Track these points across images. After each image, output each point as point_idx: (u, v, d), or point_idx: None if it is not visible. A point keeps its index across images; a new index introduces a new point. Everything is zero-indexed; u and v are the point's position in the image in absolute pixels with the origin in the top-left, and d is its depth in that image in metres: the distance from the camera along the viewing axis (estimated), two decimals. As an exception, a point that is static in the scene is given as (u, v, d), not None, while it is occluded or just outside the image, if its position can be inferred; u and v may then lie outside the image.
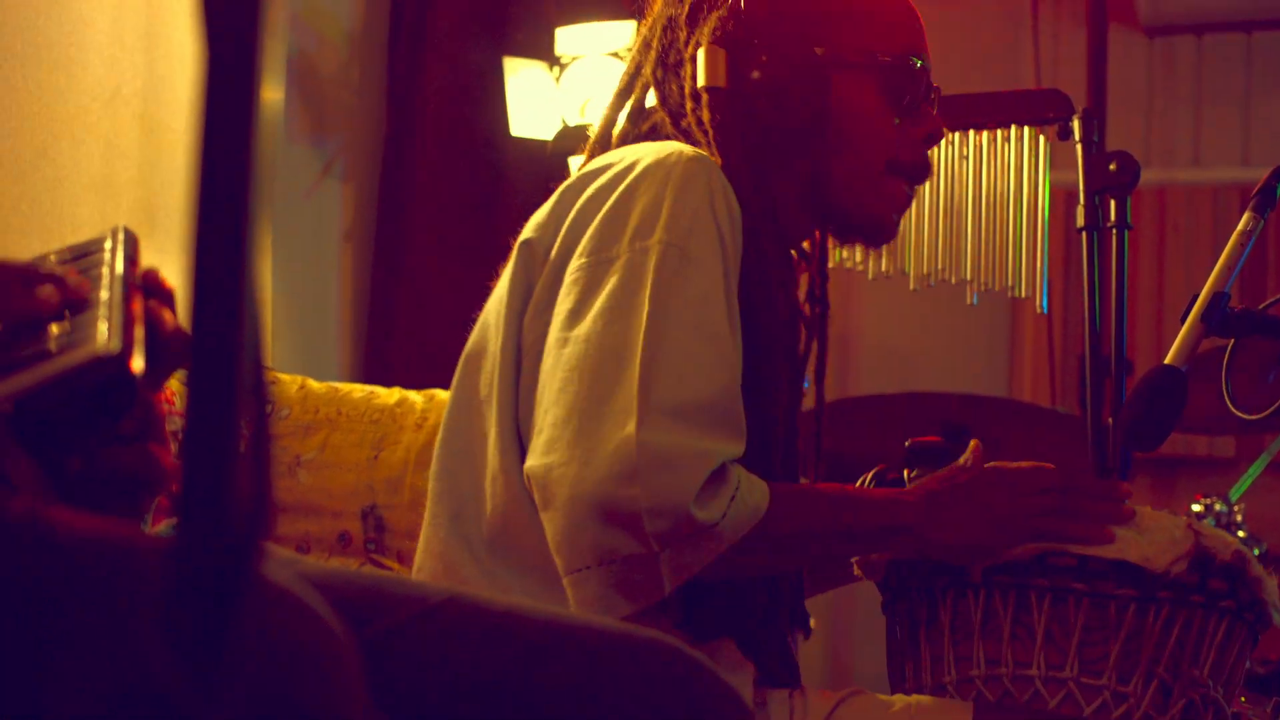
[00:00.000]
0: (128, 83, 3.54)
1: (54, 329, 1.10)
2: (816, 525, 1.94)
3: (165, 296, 1.22)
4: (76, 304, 1.13)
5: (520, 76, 4.28)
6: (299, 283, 4.26)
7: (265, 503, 0.65)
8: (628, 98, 2.18)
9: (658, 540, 1.79)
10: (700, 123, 2.05)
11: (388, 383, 3.35)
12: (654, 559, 1.80)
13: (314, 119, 4.48)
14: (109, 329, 1.07)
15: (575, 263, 1.92)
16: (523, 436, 1.95)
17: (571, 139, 4.16)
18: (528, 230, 2.05)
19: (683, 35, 2.10)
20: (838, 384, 6.11)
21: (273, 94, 0.69)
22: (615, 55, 4.21)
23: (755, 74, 2.05)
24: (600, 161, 2.04)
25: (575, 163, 4.16)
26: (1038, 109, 3.35)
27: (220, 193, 0.67)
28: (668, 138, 2.10)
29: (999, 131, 3.31)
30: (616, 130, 2.17)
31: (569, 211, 1.98)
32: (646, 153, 1.99)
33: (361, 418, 3.11)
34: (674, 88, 2.10)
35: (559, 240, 1.97)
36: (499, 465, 1.96)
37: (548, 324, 1.93)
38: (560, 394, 1.86)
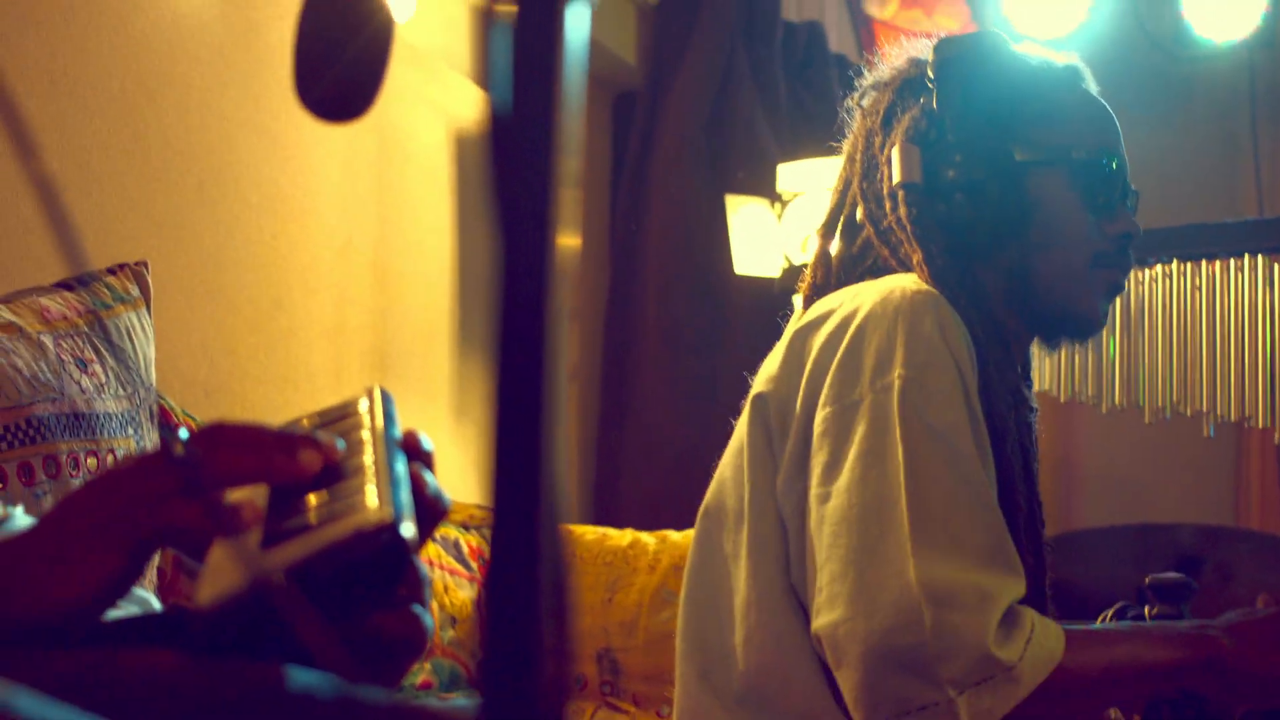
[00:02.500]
0: (359, 231, 3.60)
1: (313, 499, 1.10)
2: (1117, 667, 1.87)
3: (425, 459, 1.21)
4: (337, 470, 1.12)
5: (742, 213, 4.29)
6: (525, 424, 4.27)
7: (567, 671, 0.64)
8: (839, 216, 2.16)
9: (954, 685, 1.72)
10: (899, 220, 2.03)
11: (618, 523, 3.35)
12: (951, 705, 1.73)
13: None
14: (379, 496, 1.06)
15: (821, 414, 1.89)
16: (802, 600, 1.91)
17: (796, 277, 4.15)
18: (760, 384, 2.01)
19: (878, 141, 2.09)
20: (1063, 515, 6.01)
21: (569, 240, 0.68)
22: (836, 190, 4.21)
23: (951, 173, 2.02)
24: (822, 307, 2.00)
25: (799, 300, 4.16)
26: (1271, 237, 3.29)
27: (519, 349, 0.66)
28: (876, 255, 2.08)
29: (1231, 261, 3.25)
30: (835, 251, 2.15)
31: (803, 363, 1.95)
32: (869, 293, 1.95)
33: (595, 560, 3.11)
34: (873, 195, 2.08)
35: (800, 395, 1.93)
36: (756, 622, 1.93)
37: (805, 485, 1.90)
38: (832, 549, 1.82)
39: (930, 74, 2.08)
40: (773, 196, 4.29)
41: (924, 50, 2.12)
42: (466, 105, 4.10)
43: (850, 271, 2.10)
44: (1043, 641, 1.77)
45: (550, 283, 0.67)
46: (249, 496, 1.09)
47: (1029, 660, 1.75)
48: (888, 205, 2.04)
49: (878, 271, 2.06)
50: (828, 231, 2.16)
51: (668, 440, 4.49)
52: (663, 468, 4.46)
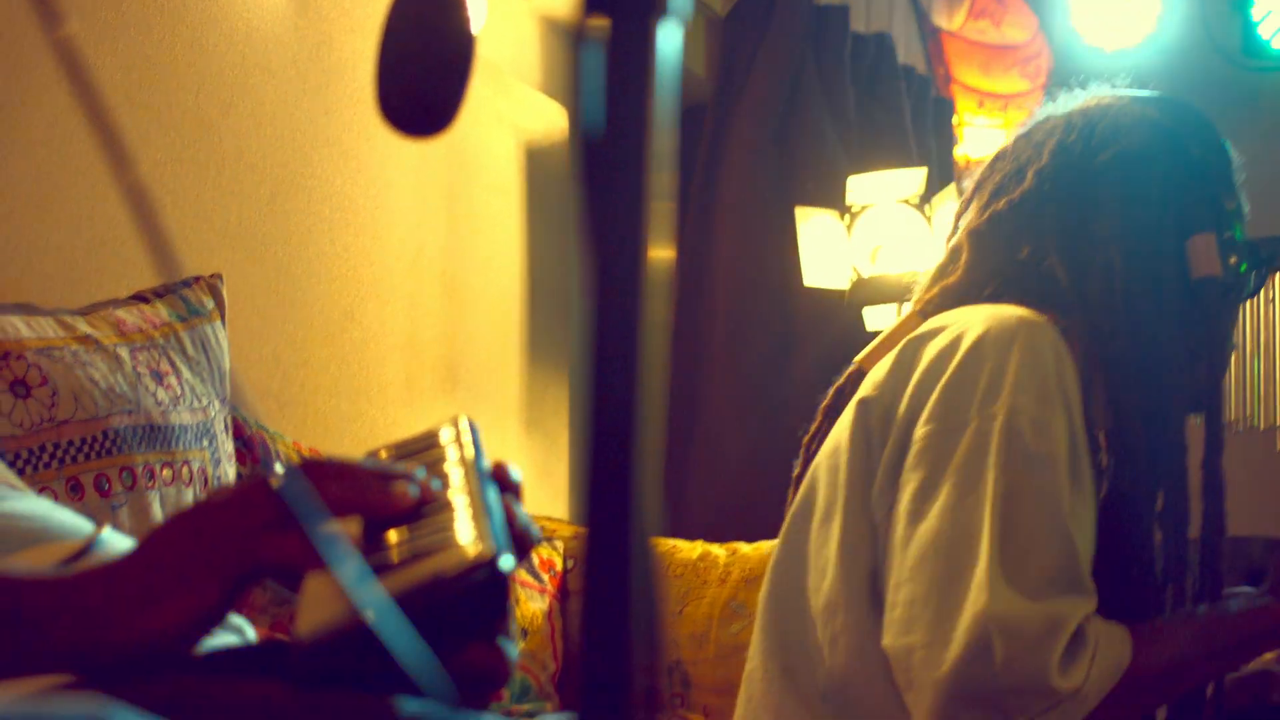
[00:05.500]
0: (430, 243, 3.62)
1: (408, 532, 1.09)
2: (1182, 657, 1.89)
3: (514, 490, 1.20)
4: (431, 503, 1.11)
5: (811, 225, 4.28)
6: (594, 435, 4.28)
7: (659, 687, 0.64)
8: (1001, 224, 2.10)
9: (1021, 715, 1.74)
10: (1149, 301, 1.99)
11: (687, 535, 3.35)
12: None
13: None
14: (477, 530, 1.05)
15: (922, 430, 1.89)
16: (881, 606, 1.91)
17: (866, 290, 4.14)
18: (866, 388, 2.00)
19: (1045, 182, 2.06)
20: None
21: (663, 253, 0.69)
22: (906, 203, 4.19)
23: (1232, 264, 2.02)
24: (937, 322, 1.99)
25: (869, 313, 4.14)
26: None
27: (613, 364, 0.67)
28: (1009, 282, 2.04)
29: (1307, 271, 3.23)
30: (977, 261, 2.12)
31: (910, 375, 1.94)
32: (984, 317, 1.93)
33: (665, 572, 3.11)
34: (1070, 246, 2.04)
35: (904, 405, 1.92)
36: (841, 625, 1.93)
37: (896, 497, 1.90)
38: (916, 571, 1.83)
39: (1197, 152, 2.07)
40: (842, 208, 4.28)
41: (1150, 107, 2.10)
42: (536, 118, 4.11)
43: (973, 288, 2.07)
44: (1107, 654, 1.80)
45: (644, 296, 0.67)
46: (343, 530, 1.08)
47: (1093, 680, 1.78)
48: (1054, 258, 2.01)
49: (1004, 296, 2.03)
50: (979, 238, 2.12)
51: (736, 452, 4.49)
52: (731, 479, 4.46)
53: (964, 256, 2.12)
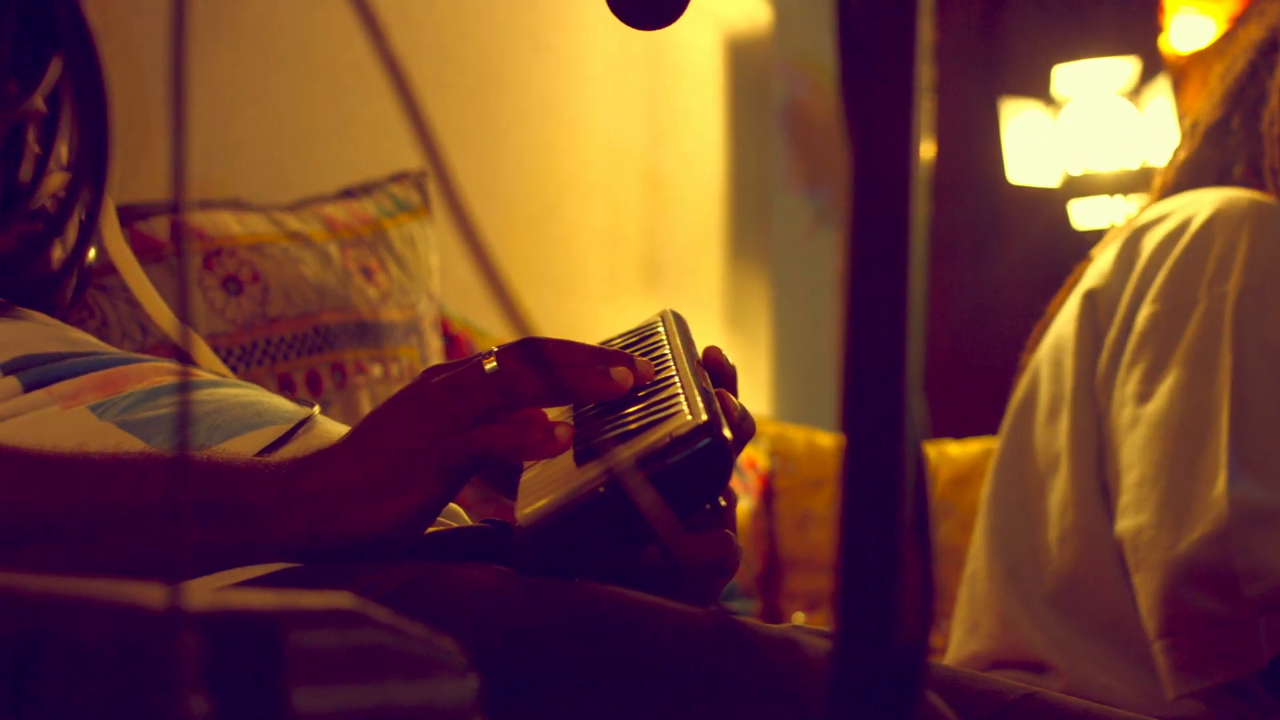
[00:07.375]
0: (631, 138, 3.59)
1: (625, 414, 1.08)
2: None
3: (729, 378, 1.19)
4: (645, 388, 1.11)
5: (1018, 119, 4.19)
6: (797, 331, 4.26)
7: (930, 604, 0.61)
8: (1228, 116, 2.00)
9: (1256, 605, 1.65)
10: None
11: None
12: (1250, 624, 1.66)
13: (807, 166, 4.48)
14: (690, 406, 1.04)
15: (1148, 310, 1.82)
16: (1110, 498, 1.86)
17: (1073, 186, 4.04)
18: (1091, 279, 1.94)
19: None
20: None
21: (927, 150, 0.65)
22: (1118, 94, 4.08)
23: None
24: (1160, 209, 1.92)
25: (1077, 207, 4.05)
26: None
27: (876, 264, 0.63)
28: (1234, 179, 1.97)
29: None
30: (1183, 156, 2.02)
31: (1134, 262, 1.88)
32: (1210, 199, 1.86)
33: (929, 477, 3.08)
34: (1255, 121, 1.96)
35: (1129, 291, 1.86)
36: (1072, 524, 1.88)
37: (1123, 379, 1.84)
38: (1144, 452, 1.76)
39: None
40: (1048, 99, 4.19)
41: None
42: (737, 11, 4.05)
43: (1208, 174, 2.00)
44: None
45: (911, 195, 0.63)
46: (560, 415, 1.07)
47: None
48: (1275, 149, 1.92)
49: (1227, 184, 1.96)
50: (1209, 133, 2.02)
51: (938, 347, 4.45)
52: (934, 375, 4.41)
53: (1198, 136, 2.04)
